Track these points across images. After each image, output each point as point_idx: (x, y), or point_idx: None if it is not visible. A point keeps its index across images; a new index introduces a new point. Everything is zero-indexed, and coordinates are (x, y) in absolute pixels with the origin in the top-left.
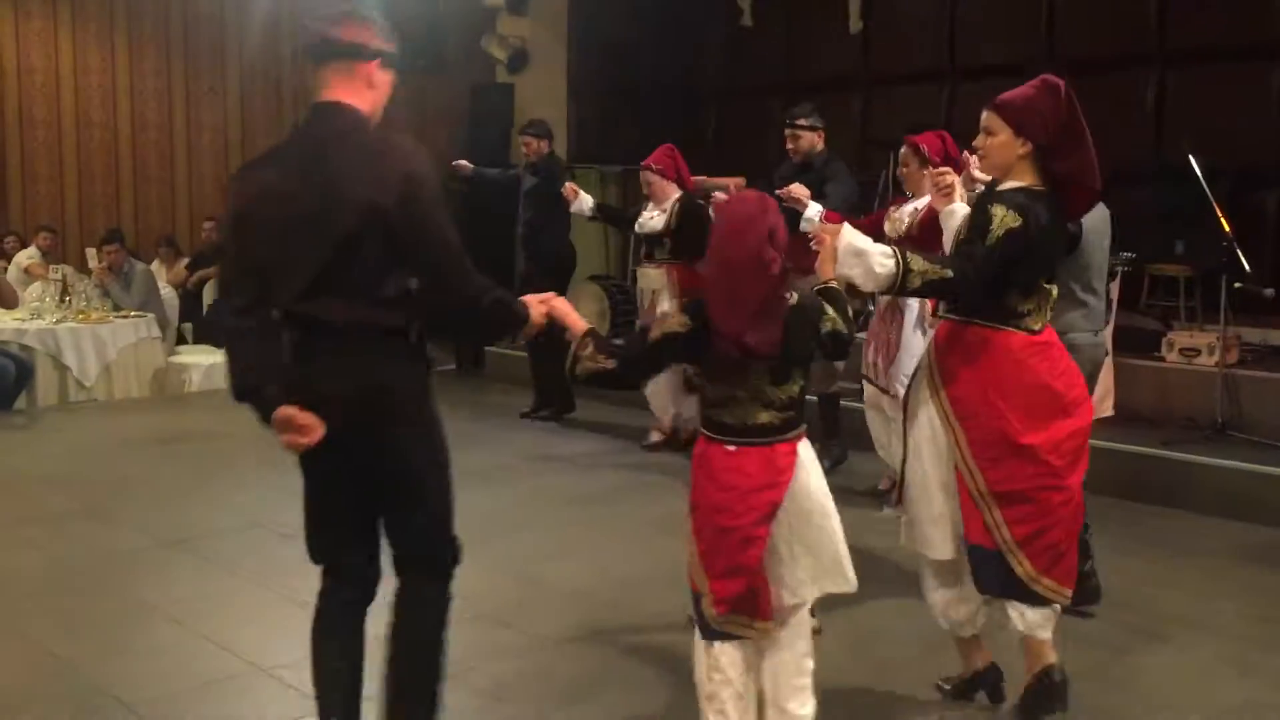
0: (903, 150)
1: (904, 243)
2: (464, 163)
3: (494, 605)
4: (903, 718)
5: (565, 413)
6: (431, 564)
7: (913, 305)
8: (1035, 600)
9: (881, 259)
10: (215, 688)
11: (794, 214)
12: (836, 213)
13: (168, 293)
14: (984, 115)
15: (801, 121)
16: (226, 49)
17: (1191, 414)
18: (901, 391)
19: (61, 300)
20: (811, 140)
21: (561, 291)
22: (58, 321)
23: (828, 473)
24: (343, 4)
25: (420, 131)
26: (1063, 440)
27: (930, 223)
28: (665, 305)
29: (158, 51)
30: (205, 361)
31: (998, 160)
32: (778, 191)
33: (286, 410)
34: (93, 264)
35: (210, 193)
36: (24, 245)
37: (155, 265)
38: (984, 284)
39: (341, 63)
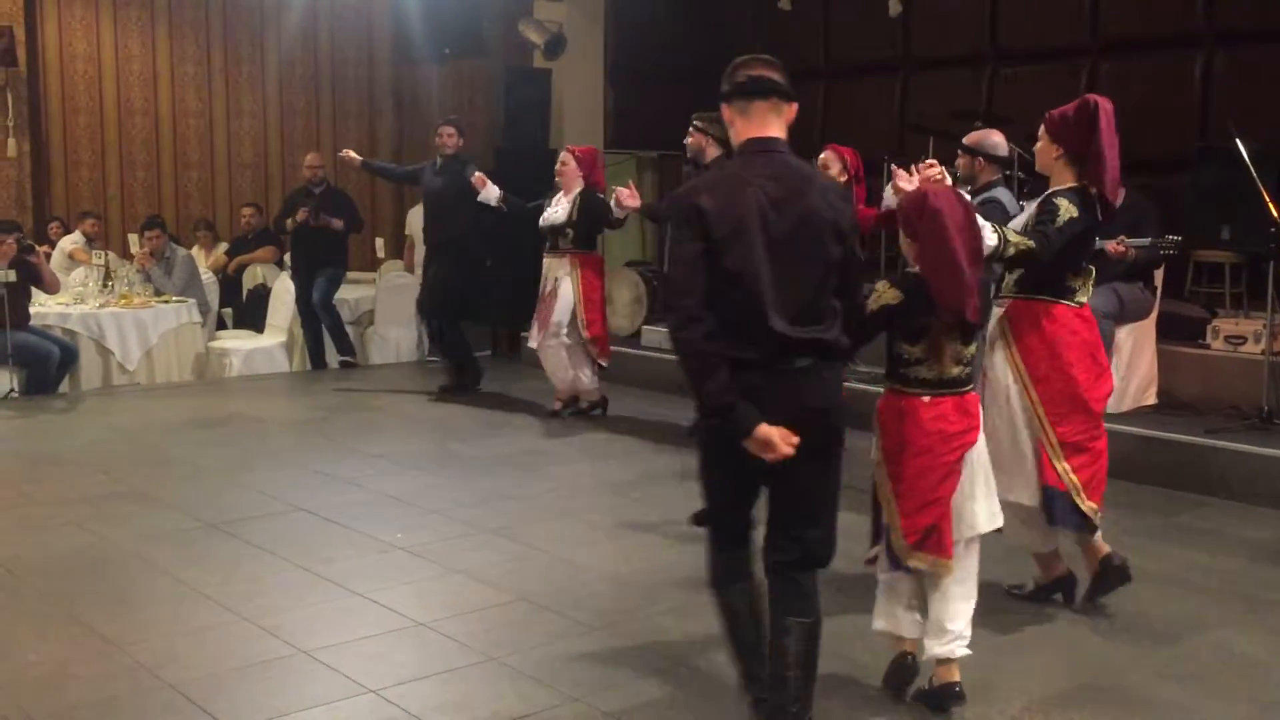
0: (825, 155)
1: None
2: (349, 153)
3: (531, 591)
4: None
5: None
6: (820, 563)
7: None
8: (1093, 527)
9: (989, 233)
10: (258, 669)
11: None
12: None
13: (208, 277)
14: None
15: (697, 123)
16: (265, 35)
17: (1236, 402)
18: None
19: (104, 285)
20: (699, 141)
21: (462, 280)
22: (101, 306)
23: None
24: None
25: (458, 115)
26: (1103, 396)
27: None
28: (567, 290)
29: (197, 38)
30: (245, 346)
31: (1042, 161)
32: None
33: (768, 430)
34: (134, 249)
35: (249, 178)
36: (68, 231)
37: (195, 250)
38: (1052, 256)
39: (775, 102)
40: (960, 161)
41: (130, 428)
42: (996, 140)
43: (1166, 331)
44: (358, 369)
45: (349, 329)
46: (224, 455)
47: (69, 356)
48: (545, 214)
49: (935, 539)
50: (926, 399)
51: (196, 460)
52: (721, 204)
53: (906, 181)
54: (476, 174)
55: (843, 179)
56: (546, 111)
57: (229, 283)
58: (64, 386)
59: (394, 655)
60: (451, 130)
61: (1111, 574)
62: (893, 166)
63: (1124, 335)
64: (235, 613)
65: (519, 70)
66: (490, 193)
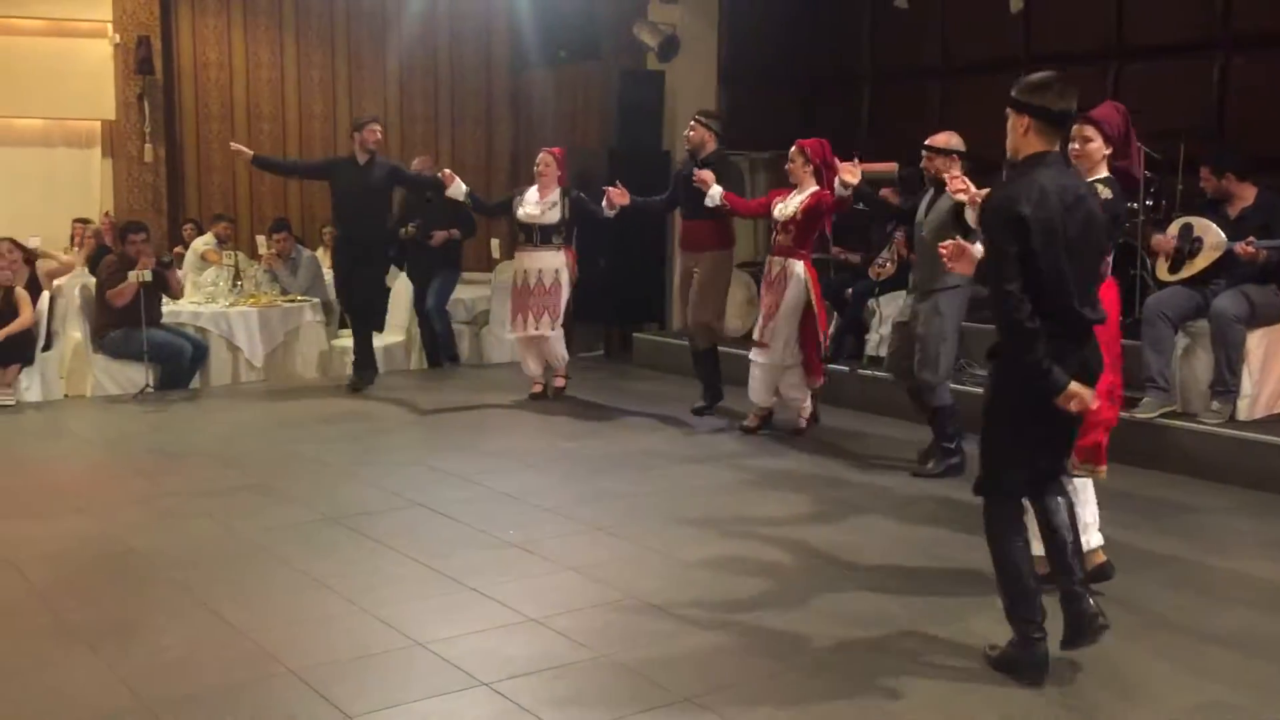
0: (792, 150)
1: (790, 225)
2: (238, 146)
3: (641, 589)
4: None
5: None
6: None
7: (799, 273)
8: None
9: None
10: (375, 659)
11: (701, 193)
12: (734, 195)
13: (331, 277)
14: (1083, 127)
15: (700, 118)
16: (387, 40)
17: None
18: (779, 346)
19: (234, 285)
20: (702, 136)
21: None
22: (230, 305)
23: (705, 412)
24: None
25: (572, 119)
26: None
27: (809, 210)
28: (565, 282)
29: (323, 44)
30: None
31: (1095, 157)
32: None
33: (1079, 388)
34: (262, 250)
35: None
36: (201, 232)
37: (319, 251)
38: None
39: (1054, 125)
40: (931, 163)
41: (257, 423)
42: (958, 139)
43: None
44: (474, 368)
45: (464, 329)
46: (345, 451)
47: (200, 353)
48: (525, 211)
49: (1097, 455)
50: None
51: (319, 455)
52: (1036, 212)
53: (850, 174)
54: (445, 170)
55: (807, 170)
56: (660, 113)
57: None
58: (195, 383)
59: (506, 649)
60: (380, 128)
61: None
62: (838, 161)
63: (1255, 340)
64: (354, 604)
65: (633, 73)
66: (458, 188)
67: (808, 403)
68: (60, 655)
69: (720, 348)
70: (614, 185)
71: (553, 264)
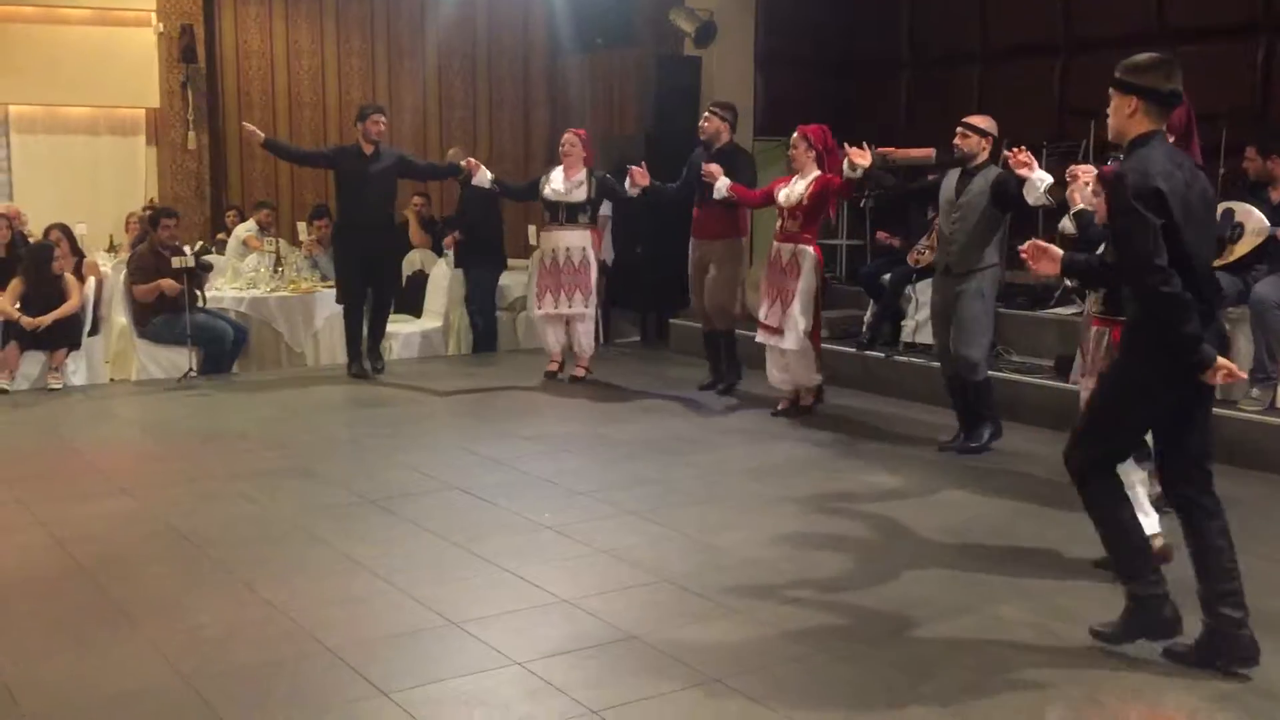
0: (794, 136)
1: (797, 210)
2: (249, 126)
3: (673, 572)
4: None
5: (736, 383)
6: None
7: (810, 257)
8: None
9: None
10: (410, 639)
11: (708, 185)
12: (741, 186)
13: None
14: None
15: (714, 109)
16: (426, 28)
17: None
18: (792, 333)
19: (275, 271)
20: (718, 126)
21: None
22: (272, 291)
23: (724, 390)
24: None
25: (609, 104)
26: None
27: (816, 195)
28: (592, 259)
29: (363, 32)
30: (404, 330)
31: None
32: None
33: (1226, 361)
34: (303, 237)
35: None
36: (243, 219)
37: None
38: None
39: (1162, 105)
40: (966, 141)
41: (297, 407)
42: (992, 122)
43: None
44: (510, 354)
45: (503, 315)
46: (383, 434)
47: (241, 337)
48: (552, 190)
49: None
50: None
51: (357, 439)
52: (1172, 187)
53: (860, 156)
54: (469, 158)
55: (809, 155)
56: (696, 99)
57: None
58: (236, 368)
59: (539, 630)
60: (383, 118)
61: None
62: (845, 144)
63: None
64: (390, 584)
65: (670, 58)
66: (484, 176)
67: (818, 379)
68: (104, 631)
69: (754, 332)
70: (639, 166)
71: (580, 242)
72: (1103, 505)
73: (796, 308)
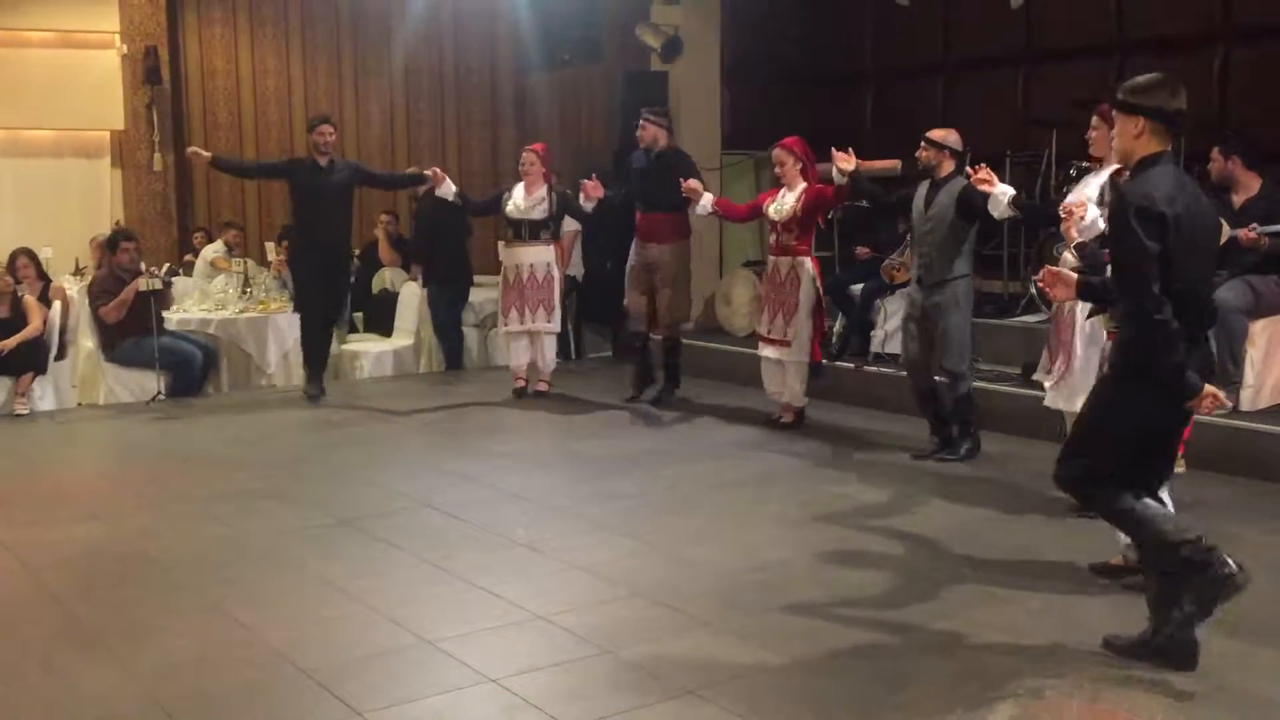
0: (777, 151)
1: (791, 223)
2: (195, 149)
3: (646, 586)
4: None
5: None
6: None
7: (808, 269)
8: None
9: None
10: (385, 659)
11: (659, 185)
12: (725, 201)
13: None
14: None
15: (651, 116)
16: (392, 46)
17: None
18: (802, 343)
19: (243, 291)
20: (654, 133)
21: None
22: (240, 311)
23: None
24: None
25: (577, 121)
26: None
27: (809, 206)
28: (556, 275)
29: (329, 51)
30: (375, 349)
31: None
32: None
33: (1212, 388)
34: (271, 257)
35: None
36: (211, 240)
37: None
38: None
39: (1169, 125)
40: (925, 154)
41: (267, 428)
42: (957, 137)
43: None
44: (481, 371)
45: (473, 331)
46: (355, 454)
47: (210, 359)
48: (514, 206)
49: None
50: None
51: (329, 459)
52: (1175, 212)
53: (845, 161)
54: (434, 168)
55: (797, 168)
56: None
57: (359, 288)
58: (206, 388)
59: (514, 646)
60: (331, 129)
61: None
62: (833, 149)
63: (1258, 330)
64: (364, 603)
65: (637, 74)
66: (448, 188)
67: (805, 401)
68: (74, 657)
69: (726, 345)
70: (590, 179)
71: (544, 258)
72: (1109, 507)
73: (799, 321)
